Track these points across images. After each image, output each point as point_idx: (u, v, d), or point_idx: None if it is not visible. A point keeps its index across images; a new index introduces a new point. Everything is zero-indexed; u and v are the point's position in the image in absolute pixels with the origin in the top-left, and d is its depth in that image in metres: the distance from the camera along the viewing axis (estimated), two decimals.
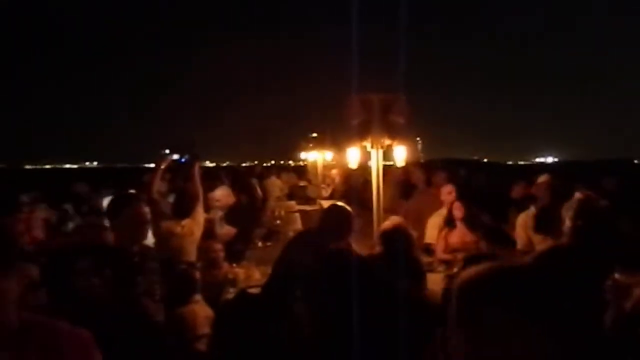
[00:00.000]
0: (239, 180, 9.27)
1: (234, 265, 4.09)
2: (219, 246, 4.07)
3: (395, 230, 3.31)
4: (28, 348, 1.51)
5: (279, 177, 11.24)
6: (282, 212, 6.66)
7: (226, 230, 5.12)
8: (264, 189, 9.73)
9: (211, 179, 10.06)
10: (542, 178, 4.68)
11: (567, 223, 3.31)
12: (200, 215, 4.30)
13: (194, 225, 4.22)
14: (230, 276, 3.77)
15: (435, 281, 3.50)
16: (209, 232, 4.65)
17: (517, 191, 5.89)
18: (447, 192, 4.99)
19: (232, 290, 3.50)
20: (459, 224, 4.60)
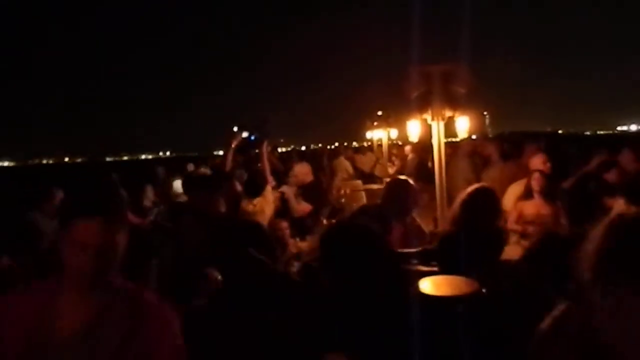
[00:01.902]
0: (310, 160, 9.44)
1: (298, 240, 4.19)
2: (284, 224, 4.17)
3: (480, 190, 3.15)
4: (111, 309, 1.52)
5: (350, 157, 11.34)
6: (348, 191, 6.68)
7: (303, 207, 5.21)
8: (332, 169, 9.84)
9: (285, 159, 10.35)
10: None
11: None
12: (269, 193, 4.40)
13: (265, 203, 4.34)
14: (294, 250, 3.87)
15: (509, 252, 3.33)
16: (283, 207, 4.75)
17: (595, 161, 5.49)
18: (541, 162, 4.74)
19: (296, 264, 3.59)
20: (535, 196, 4.32)
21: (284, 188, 5.10)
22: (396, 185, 3.74)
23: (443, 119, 3.86)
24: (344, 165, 10.42)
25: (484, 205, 3.09)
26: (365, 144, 13.84)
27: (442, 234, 3.32)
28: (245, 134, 4.23)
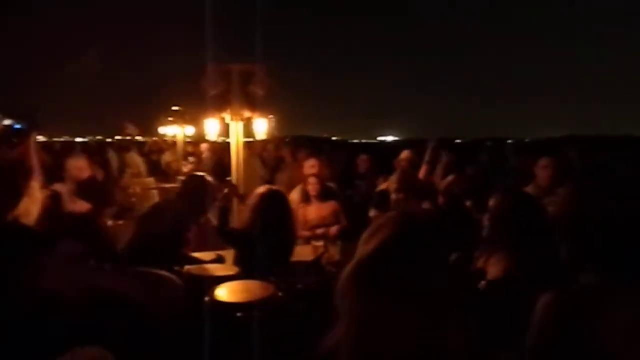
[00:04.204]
0: (94, 153, 8.26)
1: None
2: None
3: (272, 194, 3.05)
4: None
5: (142, 153, 10.32)
6: (138, 189, 5.97)
7: (79, 206, 4.39)
8: (123, 164, 8.81)
9: (63, 151, 8.84)
10: (404, 154, 4.80)
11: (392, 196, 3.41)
12: (36, 191, 3.57)
13: (31, 203, 3.50)
14: None
15: (304, 253, 3.34)
16: (55, 207, 3.92)
17: (360, 165, 5.98)
18: (310, 166, 4.72)
19: None
20: (313, 200, 4.36)
21: (57, 185, 4.23)
22: (194, 182, 3.41)
23: (242, 120, 3.66)
24: (136, 160, 9.42)
25: (274, 208, 3.01)
26: (152, 139, 12.60)
27: (236, 238, 3.12)
28: (7, 122, 3.29)
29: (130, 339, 1.55)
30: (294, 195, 4.67)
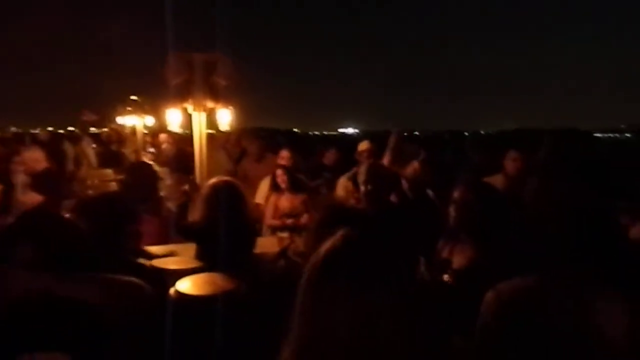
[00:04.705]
0: (48, 144, 7.91)
1: None
2: (10, 220, 3.26)
3: (222, 184, 2.93)
4: None
5: (99, 143, 9.92)
6: (96, 181, 5.75)
7: (30, 198, 4.20)
8: (77, 156, 8.45)
9: (14, 143, 8.41)
10: (363, 145, 4.80)
11: (361, 188, 3.39)
12: None
13: None
14: None
15: (269, 245, 3.31)
16: (6, 200, 3.76)
17: (328, 157, 5.97)
18: (282, 157, 4.75)
19: None
20: (285, 191, 4.34)
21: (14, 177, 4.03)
22: (137, 169, 3.30)
23: (205, 110, 3.57)
24: (86, 151, 9.03)
25: (225, 198, 2.92)
26: (110, 128, 12.01)
27: (193, 232, 3.02)
28: None
29: (89, 345, 1.48)
30: (264, 186, 4.62)
